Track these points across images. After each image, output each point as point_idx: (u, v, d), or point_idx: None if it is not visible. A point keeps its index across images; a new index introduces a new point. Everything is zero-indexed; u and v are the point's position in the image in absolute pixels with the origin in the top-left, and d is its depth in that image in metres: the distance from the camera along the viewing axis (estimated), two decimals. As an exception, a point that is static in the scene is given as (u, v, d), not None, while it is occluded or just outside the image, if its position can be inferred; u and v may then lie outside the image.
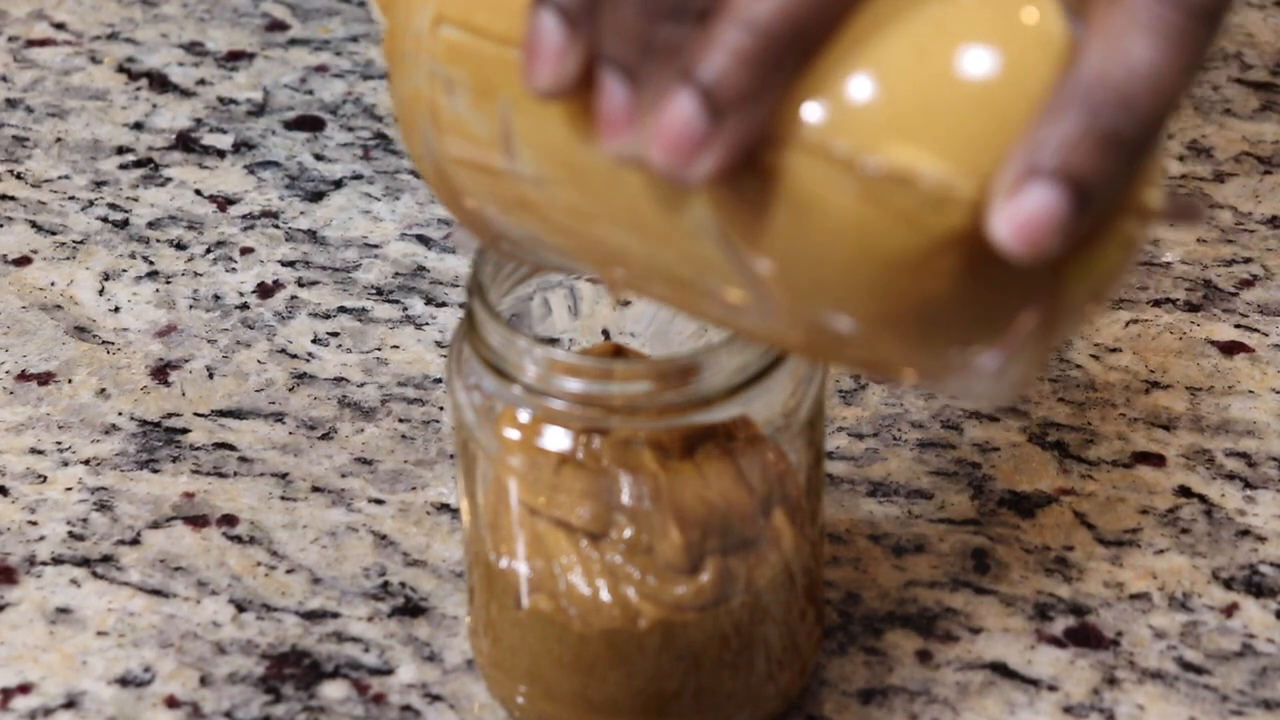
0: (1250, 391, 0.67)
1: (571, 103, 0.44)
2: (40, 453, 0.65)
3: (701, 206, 0.43)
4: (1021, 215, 0.40)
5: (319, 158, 0.77)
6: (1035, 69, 0.41)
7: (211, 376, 0.68)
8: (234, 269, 0.72)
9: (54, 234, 0.73)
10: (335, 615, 0.60)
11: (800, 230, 0.42)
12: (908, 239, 0.41)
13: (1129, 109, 0.40)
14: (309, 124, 0.78)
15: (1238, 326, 0.69)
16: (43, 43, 0.83)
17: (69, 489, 0.64)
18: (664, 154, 0.41)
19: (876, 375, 0.45)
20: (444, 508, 0.63)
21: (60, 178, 0.76)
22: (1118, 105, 0.40)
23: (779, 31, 0.41)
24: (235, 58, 0.82)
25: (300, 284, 0.71)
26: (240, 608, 0.60)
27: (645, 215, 0.45)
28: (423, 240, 0.73)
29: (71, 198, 0.75)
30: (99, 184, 0.76)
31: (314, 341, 0.69)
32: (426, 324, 0.70)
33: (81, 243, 0.73)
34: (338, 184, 0.76)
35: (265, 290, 0.71)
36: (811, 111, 0.41)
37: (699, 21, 0.42)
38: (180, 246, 0.73)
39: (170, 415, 0.66)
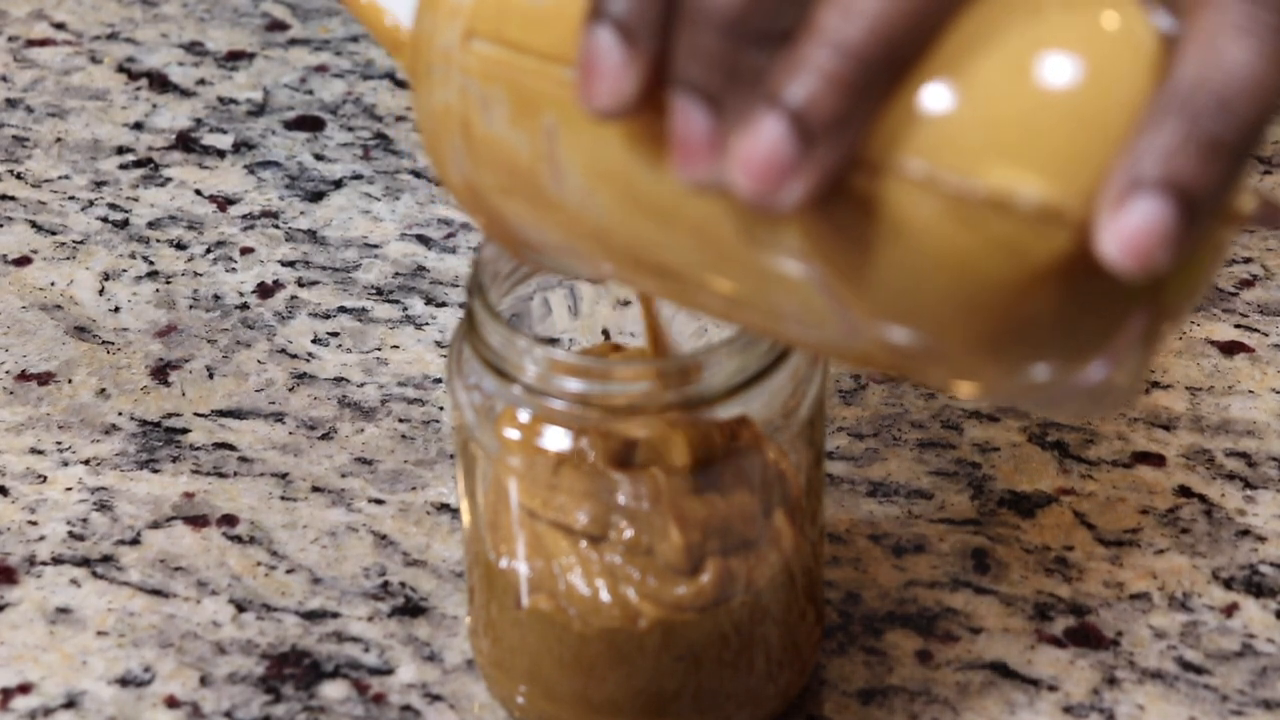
0: (1250, 391, 0.67)
1: (631, 123, 0.43)
2: (40, 453, 0.65)
3: (784, 230, 0.42)
4: (1129, 230, 0.39)
5: (319, 158, 0.77)
6: (1130, 80, 0.40)
7: (211, 376, 0.68)
8: (234, 269, 0.72)
9: (54, 234, 0.73)
10: (335, 615, 0.60)
11: (894, 256, 0.41)
12: (1012, 264, 0.40)
13: (1229, 113, 0.39)
14: (309, 124, 0.78)
15: (1238, 326, 0.69)
16: (43, 43, 0.83)
17: (69, 489, 0.64)
18: (751, 181, 0.40)
19: (968, 393, 0.44)
20: (444, 508, 0.63)
21: (60, 178, 0.76)
22: (1218, 110, 0.39)
23: (871, 54, 0.40)
24: (235, 58, 0.82)
25: (300, 284, 0.71)
26: (240, 608, 0.60)
27: (717, 237, 0.43)
28: (423, 240, 0.73)
29: (71, 198, 0.75)
30: (99, 184, 0.76)
31: (314, 341, 0.69)
32: (426, 324, 0.70)
33: (81, 243, 0.73)
34: (338, 184, 0.76)
35: (265, 290, 0.71)
36: (904, 134, 0.40)
37: (782, 43, 0.40)
38: (180, 246, 0.73)
39: (170, 415, 0.66)
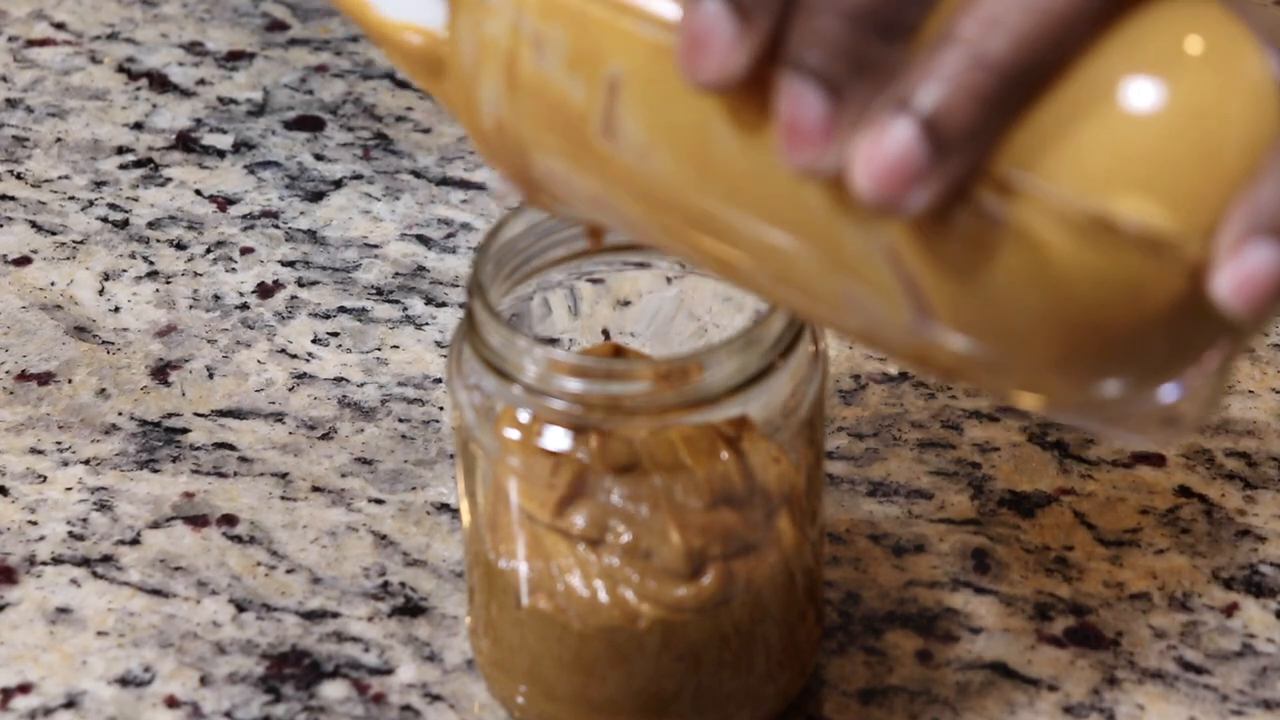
0: (1250, 391, 0.67)
1: (725, 95, 0.42)
2: (40, 453, 0.65)
3: (882, 228, 0.42)
4: (1243, 274, 0.39)
5: (319, 158, 0.77)
6: (1256, 125, 0.40)
7: (211, 376, 0.68)
8: (234, 269, 0.72)
9: (54, 234, 0.73)
10: (335, 615, 0.60)
11: (999, 270, 0.41)
12: (1123, 292, 0.40)
13: None
14: (309, 124, 0.78)
15: (1238, 326, 0.69)
16: (43, 43, 0.83)
17: (69, 489, 0.64)
18: (875, 184, 0.40)
19: (1027, 405, 0.44)
20: (444, 508, 0.63)
21: (60, 178, 0.76)
22: None
23: (1012, 69, 0.39)
24: (235, 58, 0.82)
25: (300, 284, 0.71)
26: (240, 608, 0.60)
27: (796, 218, 0.43)
28: (423, 240, 0.73)
29: (71, 198, 0.75)
30: (99, 184, 0.76)
31: (314, 341, 0.69)
32: (426, 324, 0.70)
33: (81, 243, 0.73)
34: (338, 184, 0.76)
35: (265, 290, 0.71)
36: (1032, 152, 0.40)
37: (908, 36, 0.40)
38: (180, 246, 0.73)
39: (170, 415, 0.66)
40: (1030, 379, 0.43)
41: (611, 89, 0.44)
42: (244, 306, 0.70)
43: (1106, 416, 0.44)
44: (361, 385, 0.67)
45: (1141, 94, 0.40)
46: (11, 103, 0.80)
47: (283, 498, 0.63)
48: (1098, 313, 0.41)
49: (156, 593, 0.61)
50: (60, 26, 0.84)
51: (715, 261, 0.46)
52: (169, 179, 0.76)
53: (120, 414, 0.66)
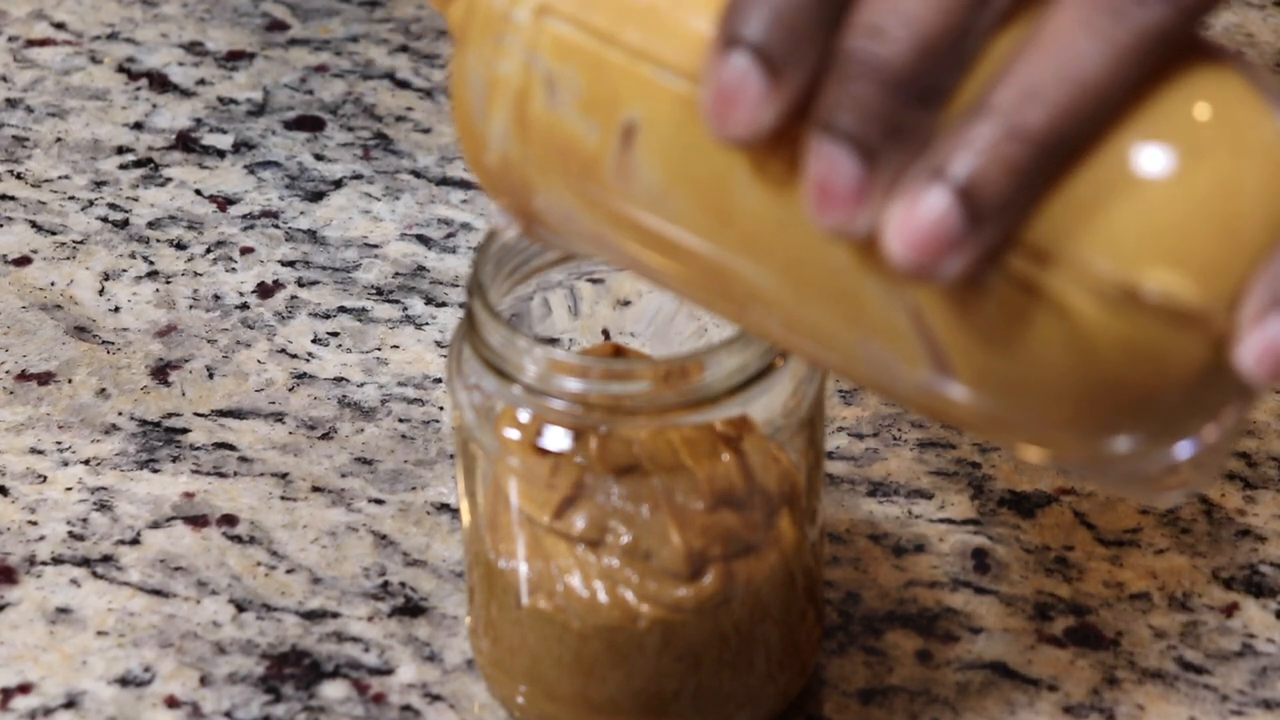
0: (1250, 391, 0.67)
1: (752, 150, 0.42)
2: (40, 453, 0.65)
3: (906, 289, 0.42)
4: (1265, 344, 0.40)
5: (319, 158, 0.77)
6: (1276, 197, 0.41)
7: (211, 376, 0.68)
8: (234, 269, 0.72)
9: (54, 234, 0.73)
10: (335, 615, 0.60)
11: (1023, 336, 0.41)
12: (1149, 360, 0.41)
13: None
14: (309, 124, 0.78)
15: (1238, 326, 0.69)
16: (43, 43, 0.83)
17: (69, 489, 0.64)
18: (909, 250, 0.40)
19: (1034, 458, 0.44)
20: (444, 508, 0.63)
21: (60, 178, 0.76)
22: None
23: (1049, 143, 0.40)
24: (235, 58, 0.82)
25: (300, 284, 0.71)
26: (240, 608, 0.60)
27: (814, 271, 0.43)
28: (423, 240, 0.73)
29: (71, 198, 0.75)
30: (99, 184, 0.76)
31: (314, 341, 0.69)
32: (426, 324, 0.70)
33: (81, 243, 0.73)
34: (338, 184, 0.76)
35: (265, 290, 0.71)
36: (1063, 222, 0.40)
37: (943, 101, 0.40)
38: (180, 246, 0.73)
39: (170, 415, 0.66)
40: (1041, 435, 0.43)
41: (627, 134, 0.43)
42: (244, 306, 0.70)
43: (1115, 473, 0.44)
44: (361, 385, 0.67)
45: (1167, 167, 0.40)
46: (11, 103, 0.80)
47: (283, 498, 0.64)
48: (1121, 378, 0.41)
49: (156, 593, 0.61)
50: (60, 26, 0.84)
51: (721, 305, 0.46)
52: (169, 179, 0.76)
53: (120, 414, 0.66)
